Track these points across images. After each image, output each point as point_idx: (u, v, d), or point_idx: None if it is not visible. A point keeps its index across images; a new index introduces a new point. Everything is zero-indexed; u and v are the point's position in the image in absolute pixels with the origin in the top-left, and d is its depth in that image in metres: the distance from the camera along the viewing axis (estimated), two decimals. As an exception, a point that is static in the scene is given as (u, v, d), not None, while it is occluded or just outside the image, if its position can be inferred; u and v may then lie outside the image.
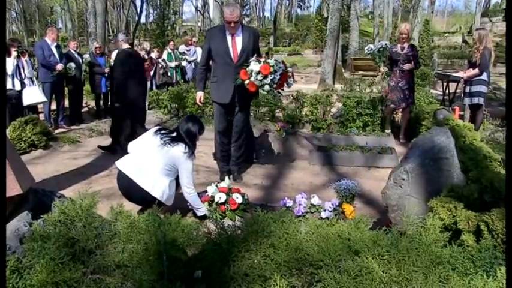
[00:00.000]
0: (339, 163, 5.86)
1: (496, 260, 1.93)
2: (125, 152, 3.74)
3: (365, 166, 5.78)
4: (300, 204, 3.75)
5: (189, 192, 3.64)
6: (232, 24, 4.57)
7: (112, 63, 9.17)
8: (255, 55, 4.58)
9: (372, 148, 6.07)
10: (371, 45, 7.50)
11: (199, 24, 46.32)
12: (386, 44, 7.48)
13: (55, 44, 7.82)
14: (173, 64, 11.17)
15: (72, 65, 7.95)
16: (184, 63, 11.58)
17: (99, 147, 6.38)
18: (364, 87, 13.85)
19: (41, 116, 7.64)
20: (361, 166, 5.78)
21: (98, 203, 2.40)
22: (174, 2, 42.61)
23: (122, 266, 1.98)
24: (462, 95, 7.27)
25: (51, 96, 7.79)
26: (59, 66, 7.58)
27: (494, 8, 42.85)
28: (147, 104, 7.98)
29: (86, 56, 9.06)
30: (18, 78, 7.02)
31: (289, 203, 3.81)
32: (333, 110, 8.08)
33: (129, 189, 3.48)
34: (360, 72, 19.64)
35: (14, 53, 6.93)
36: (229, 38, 4.69)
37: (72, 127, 8.07)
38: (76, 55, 8.57)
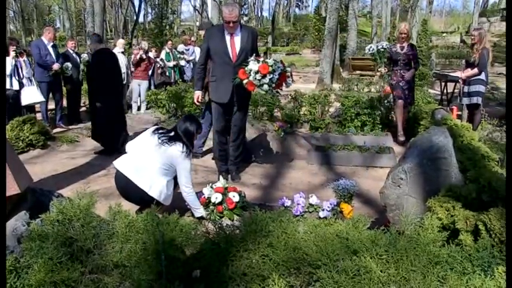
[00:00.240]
0: (337, 163, 5.87)
1: (494, 259, 1.93)
2: (119, 152, 3.72)
3: (363, 166, 5.78)
4: (298, 204, 3.75)
5: (188, 192, 3.63)
6: (231, 24, 4.57)
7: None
8: (254, 55, 4.58)
9: (370, 148, 6.08)
10: (372, 45, 7.48)
11: (198, 23, 46.31)
12: (387, 45, 7.43)
13: (52, 43, 7.80)
14: (171, 64, 11.15)
15: (69, 64, 7.92)
16: (182, 63, 11.57)
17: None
18: (362, 87, 13.88)
19: (38, 116, 7.63)
20: (359, 166, 5.79)
21: (96, 202, 2.40)
22: (172, 1, 42.56)
23: (120, 266, 1.98)
24: (461, 95, 7.27)
25: (48, 96, 7.77)
26: (56, 66, 7.57)
27: (492, 8, 42.91)
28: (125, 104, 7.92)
29: (84, 56, 9.04)
30: (17, 78, 7.01)
31: (288, 203, 3.80)
32: (331, 109, 8.09)
33: (127, 189, 3.47)
34: (358, 71, 19.67)
35: (12, 53, 6.92)
36: (228, 37, 4.69)
37: (70, 127, 8.06)
38: (74, 55, 8.56)
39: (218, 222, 2.34)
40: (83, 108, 9.57)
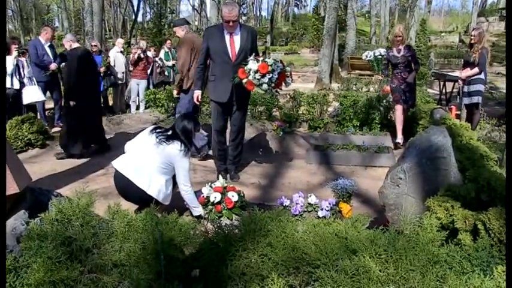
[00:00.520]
0: (336, 162, 5.87)
1: (493, 259, 1.93)
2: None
3: (362, 165, 5.79)
4: (297, 203, 3.75)
5: (186, 190, 3.63)
6: (231, 23, 4.57)
7: (106, 63, 9.18)
8: (253, 54, 4.58)
9: (368, 147, 6.09)
10: (370, 52, 7.40)
11: (196, 23, 46.33)
12: (384, 51, 7.32)
13: (49, 43, 7.78)
14: (170, 63, 11.15)
15: (66, 64, 7.90)
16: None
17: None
18: (361, 86, 13.90)
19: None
20: (358, 165, 5.79)
21: (95, 202, 2.39)
22: (171, 1, 42.55)
23: (119, 265, 1.98)
24: (460, 95, 7.26)
25: (45, 95, 7.75)
26: (53, 66, 7.55)
27: (491, 7, 43.03)
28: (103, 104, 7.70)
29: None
30: (18, 77, 7.02)
31: (287, 202, 3.80)
32: (330, 109, 8.09)
33: (126, 188, 3.47)
34: (357, 71, 19.70)
35: (14, 52, 6.93)
36: (227, 37, 4.68)
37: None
38: (73, 54, 8.53)
39: (217, 222, 2.33)
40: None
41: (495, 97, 11.86)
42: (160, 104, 9.25)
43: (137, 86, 9.84)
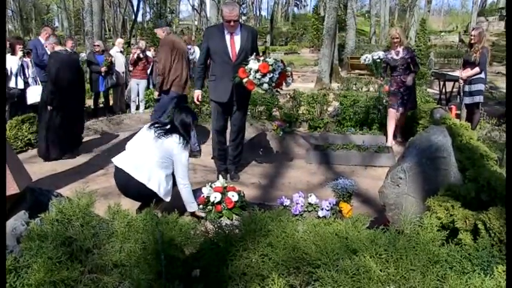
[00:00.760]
0: (336, 162, 5.87)
1: (493, 258, 1.93)
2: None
3: (362, 165, 5.79)
4: (297, 203, 3.75)
5: (183, 184, 3.61)
6: (232, 23, 4.57)
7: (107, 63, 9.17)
8: (254, 54, 4.58)
9: (368, 147, 6.08)
10: (368, 55, 7.33)
11: (196, 23, 46.32)
12: (383, 55, 7.23)
13: None
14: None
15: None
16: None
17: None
18: (360, 86, 13.88)
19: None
20: (358, 165, 5.79)
21: (95, 202, 2.39)
22: (171, 0, 42.54)
23: (119, 265, 1.98)
24: (461, 94, 7.25)
25: None
26: None
27: (491, 7, 43.04)
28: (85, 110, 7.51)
29: (83, 55, 9.03)
30: (22, 77, 7.04)
31: (287, 202, 3.81)
32: (330, 109, 8.10)
33: (126, 183, 3.46)
34: (357, 71, 19.66)
35: (19, 53, 6.95)
36: (227, 37, 4.68)
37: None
38: (73, 54, 8.53)
39: (217, 222, 2.33)
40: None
41: (495, 97, 11.85)
42: (160, 104, 9.23)
43: (137, 86, 9.84)
